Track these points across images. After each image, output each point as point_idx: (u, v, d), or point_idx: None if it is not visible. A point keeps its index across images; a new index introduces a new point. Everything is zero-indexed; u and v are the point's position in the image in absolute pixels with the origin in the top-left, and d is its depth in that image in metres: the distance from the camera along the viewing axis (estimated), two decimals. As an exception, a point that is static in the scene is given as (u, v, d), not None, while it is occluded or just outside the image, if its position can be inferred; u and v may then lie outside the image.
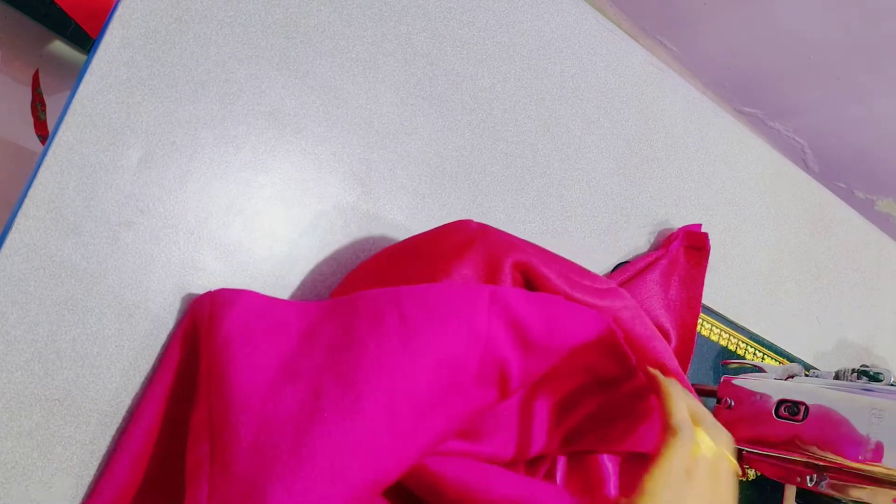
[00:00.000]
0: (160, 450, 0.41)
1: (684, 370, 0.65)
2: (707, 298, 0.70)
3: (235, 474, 0.36)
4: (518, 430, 0.48)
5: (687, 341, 0.65)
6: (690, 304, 0.66)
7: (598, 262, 0.63)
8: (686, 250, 0.66)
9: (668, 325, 0.62)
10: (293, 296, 0.48)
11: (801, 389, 0.53)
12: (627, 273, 0.62)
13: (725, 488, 0.42)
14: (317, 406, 0.38)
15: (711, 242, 0.69)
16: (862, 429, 0.50)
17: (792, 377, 0.57)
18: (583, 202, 0.63)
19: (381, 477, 0.38)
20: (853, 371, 0.56)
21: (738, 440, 0.56)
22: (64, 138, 0.42)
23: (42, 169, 0.41)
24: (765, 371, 0.59)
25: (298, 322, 0.42)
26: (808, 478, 0.53)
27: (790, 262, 0.77)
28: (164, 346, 0.44)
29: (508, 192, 0.58)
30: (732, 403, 0.57)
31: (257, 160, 0.48)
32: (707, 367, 0.69)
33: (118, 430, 0.42)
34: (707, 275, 0.69)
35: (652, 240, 0.67)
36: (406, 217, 0.53)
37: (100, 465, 0.42)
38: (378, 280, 0.47)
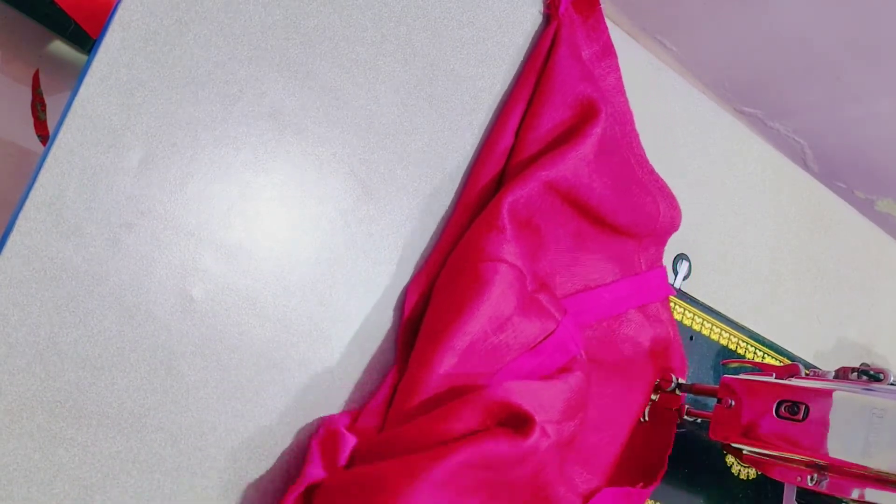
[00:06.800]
0: None
1: (632, 132, 0.62)
2: (707, 298, 0.70)
3: None
4: None
5: (618, 96, 0.61)
6: (605, 52, 0.61)
7: (599, 262, 0.63)
8: (574, 5, 0.60)
9: (595, 96, 0.57)
10: (293, 297, 0.48)
11: (801, 389, 0.54)
12: (535, 68, 0.57)
13: None
14: None
15: (711, 242, 0.69)
16: (862, 428, 0.50)
17: (792, 376, 0.57)
18: (583, 202, 0.63)
19: None
20: (854, 370, 0.56)
21: (738, 440, 0.56)
22: (64, 141, 0.42)
23: (43, 171, 0.41)
24: (765, 370, 0.59)
25: None
26: (808, 477, 0.53)
27: (790, 261, 0.77)
28: None
29: (509, 192, 0.58)
30: (732, 403, 0.57)
31: (258, 161, 0.48)
32: (707, 367, 0.69)
33: (120, 432, 0.42)
34: (707, 274, 0.69)
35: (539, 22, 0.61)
36: (406, 217, 0.53)
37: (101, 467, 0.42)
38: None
